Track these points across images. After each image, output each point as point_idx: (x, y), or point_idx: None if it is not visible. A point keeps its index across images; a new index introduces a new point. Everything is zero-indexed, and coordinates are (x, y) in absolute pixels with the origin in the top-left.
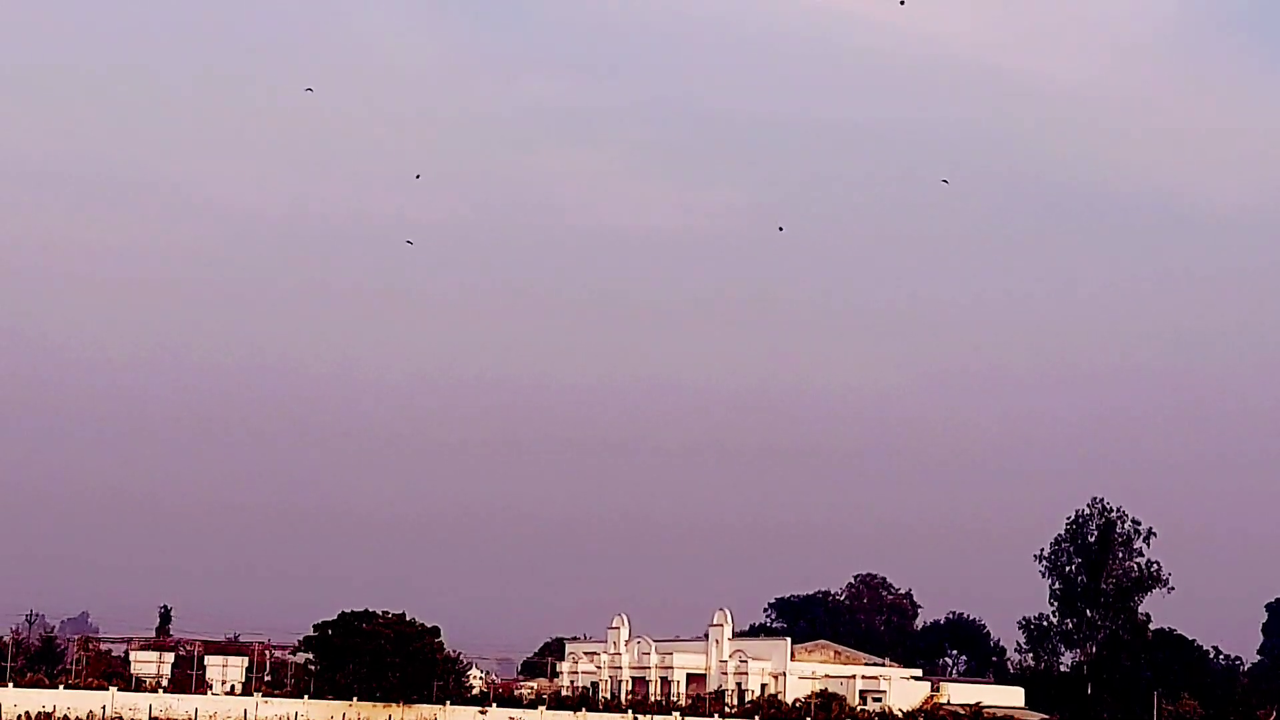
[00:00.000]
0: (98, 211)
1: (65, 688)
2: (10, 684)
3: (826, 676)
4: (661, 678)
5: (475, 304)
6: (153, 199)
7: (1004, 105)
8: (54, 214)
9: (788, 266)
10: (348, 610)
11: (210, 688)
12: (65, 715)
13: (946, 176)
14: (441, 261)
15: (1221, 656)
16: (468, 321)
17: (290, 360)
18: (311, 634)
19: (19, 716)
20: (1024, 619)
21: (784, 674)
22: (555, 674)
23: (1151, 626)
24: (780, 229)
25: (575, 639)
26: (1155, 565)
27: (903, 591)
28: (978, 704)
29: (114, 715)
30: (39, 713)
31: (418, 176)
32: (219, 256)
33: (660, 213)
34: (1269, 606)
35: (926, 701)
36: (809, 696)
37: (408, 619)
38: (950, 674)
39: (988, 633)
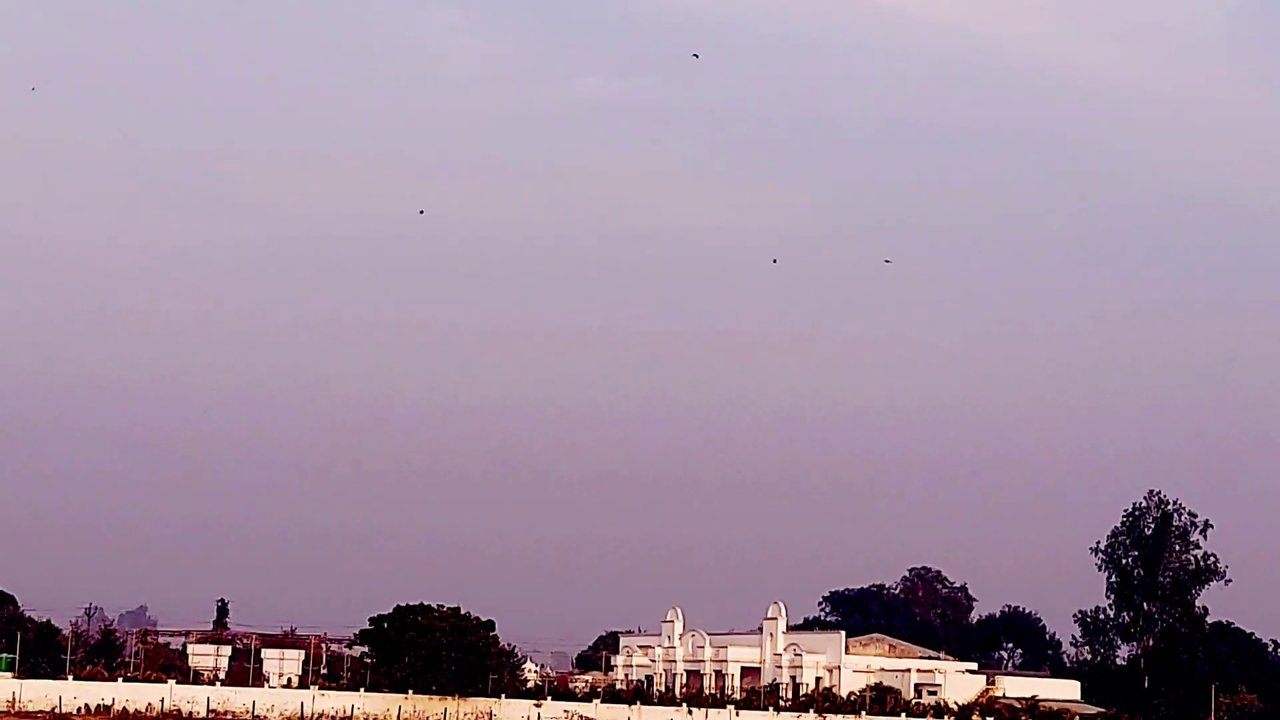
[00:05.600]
0: (171, 218)
1: (124, 680)
2: (70, 676)
3: (881, 670)
4: (716, 671)
5: (530, 305)
6: (212, 203)
7: (1064, 107)
8: (133, 220)
9: (846, 268)
10: (403, 604)
11: (267, 681)
12: (124, 708)
13: (1007, 177)
14: (497, 263)
15: None
16: (515, 323)
17: (340, 369)
18: (367, 627)
19: (79, 709)
20: (1080, 612)
21: (839, 667)
22: (610, 667)
23: (1209, 619)
24: (888, 261)
25: (629, 632)
26: (1212, 558)
27: (958, 585)
28: (1033, 698)
29: (172, 708)
30: (98, 705)
31: (421, 212)
32: (276, 264)
33: (718, 213)
34: None
35: (982, 695)
36: (864, 690)
37: (463, 612)
38: (1006, 667)
39: (1043, 626)
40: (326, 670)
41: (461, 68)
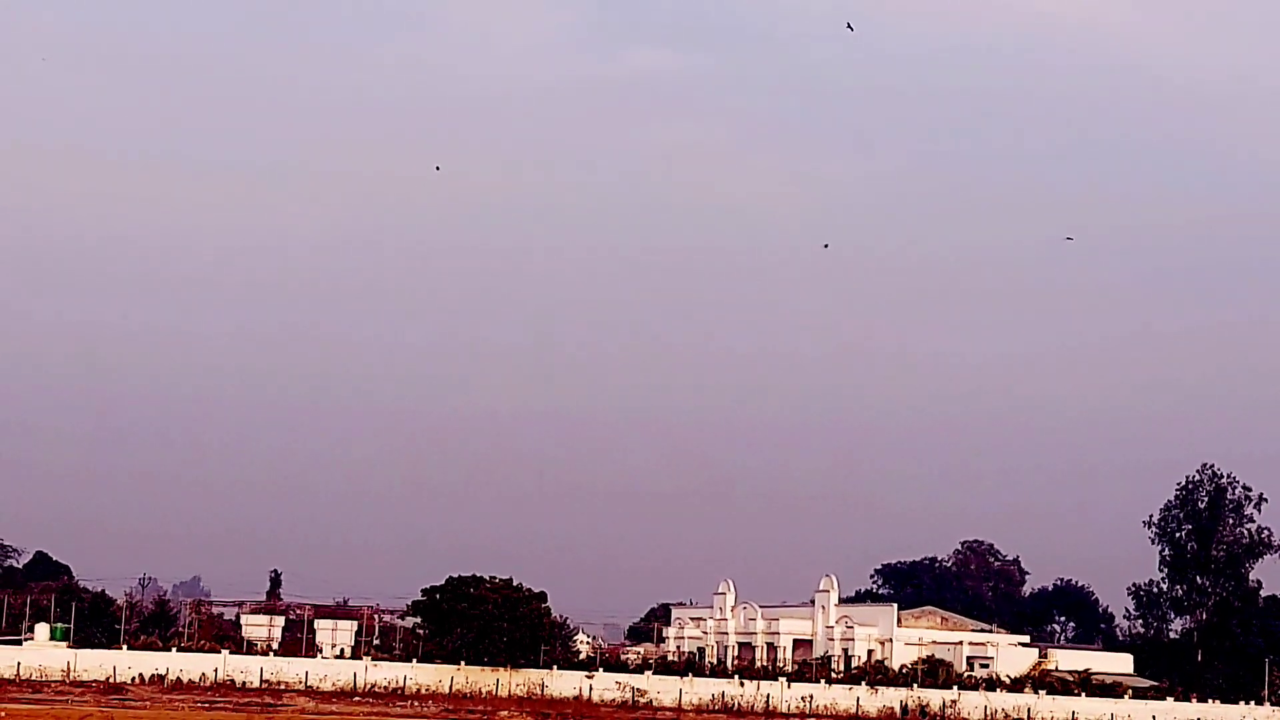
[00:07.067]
0: (229, 197)
1: (178, 650)
2: (124, 646)
3: (933, 643)
4: (767, 643)
5: (583, 275)
6: (280, 179)
7: (1104, 81)
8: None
9: (899, 237)
10: (455, 575)
11: (320, 651)
12: (178, 677)
13: (1054, 148)
14: (551, 232)
15: None
16: (568, 293)
17: (392, 340)
18: (420, 598)
19: (133, 678)
20: (1133, 585)
21: (890, 640)
22: (661, 639)
23: (1263, 593)
24: (1069, 238)
25: (681, 604)
26: (1266, 531)
27: (1010, 558)
28: (1086, 671)
29: (226, 678)
30: (152, 675)
31: (438, 168)
32: (332, 238)
33: (770, 183)
34: None
35: (1034, 668)
36: (916, 663)
37: (515, 584)
38: (1058, 641)
39: (1096, 599)
40: (379, 641)
41: (513, 39)
